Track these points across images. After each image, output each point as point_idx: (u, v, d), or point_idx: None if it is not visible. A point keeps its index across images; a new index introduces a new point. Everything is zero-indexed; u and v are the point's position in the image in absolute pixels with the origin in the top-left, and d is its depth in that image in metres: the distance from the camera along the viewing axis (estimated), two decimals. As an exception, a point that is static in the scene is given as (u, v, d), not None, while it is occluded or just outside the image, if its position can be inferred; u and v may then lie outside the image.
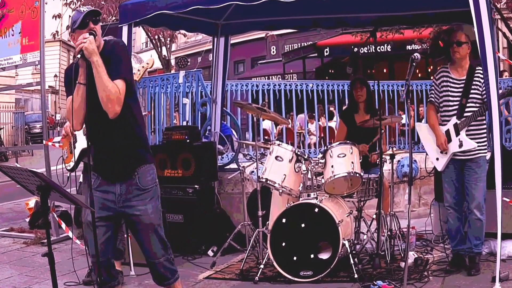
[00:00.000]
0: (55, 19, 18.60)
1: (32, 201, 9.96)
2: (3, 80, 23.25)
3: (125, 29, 7.12)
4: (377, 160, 7.13)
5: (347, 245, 6.34)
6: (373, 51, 21.37)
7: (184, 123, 10.39)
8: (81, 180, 7.88)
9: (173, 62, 27.71)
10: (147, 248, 4.73)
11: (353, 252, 6.53)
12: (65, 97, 4.65)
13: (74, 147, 6.53)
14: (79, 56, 4.33)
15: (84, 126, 4.58)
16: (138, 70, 5.51)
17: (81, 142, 6.46)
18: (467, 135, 6.32)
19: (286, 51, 28.79)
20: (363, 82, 7.80)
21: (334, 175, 6.72)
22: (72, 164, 6.61)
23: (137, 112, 4.71)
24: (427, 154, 6.91)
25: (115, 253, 6.52)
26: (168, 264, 4.77)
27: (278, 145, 7.02)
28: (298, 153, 6.93)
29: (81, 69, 4.39)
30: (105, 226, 4.66)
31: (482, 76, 6.13)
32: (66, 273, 6.66)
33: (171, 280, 4.80)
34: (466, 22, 6.46)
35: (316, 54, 24.94)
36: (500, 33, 16.57)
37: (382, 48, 21.97)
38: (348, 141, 7.04)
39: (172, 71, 23.32)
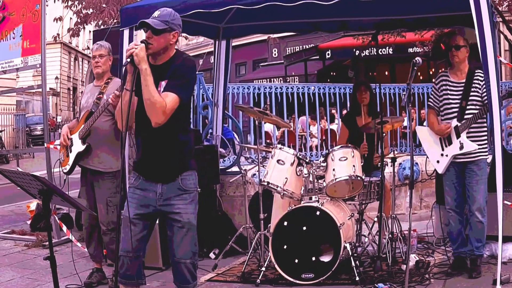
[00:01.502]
0: (56, 22, 18.60)
1: (33, 204, 9.97)
2: (4, 82, 23.24)
3: (126, 33, 7.12)
4: (379, 161, 7.14)
5: (348, 248, 6.34)
6: (375, 54, 21.43)
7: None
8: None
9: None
10: (178, 246, 4.71)
11: (355, 254, 6.53)
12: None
13: (70, 151, 6.57)
14: (128, 60, 4.40)
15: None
16: None
17: (77, 146, 6.49)
18: (467, 137, 6.33)
19: (287, 53, 28.80)
20: (367, 86, 7.81)
21: (335, 179, 6.73)
22: (68, 167, 6.64)
23: (187, 124, 4.82)
24: (427, 157, 6.91)
25: (103, 255, 6.62)
26: (192, 268, 4.78)
27: (280, 148, 7.03)
28: (300, 156, 6.94)
29: (128, 75, 4.46)
30: (143, 224, 4.70)
31: (481, 78, 6.16)
32: (67, 275, 6.67)
33: (191, 285, 4.80)
34: (468, 25, 6.47)
35: (318, 57, 24.96)
36: (501, 36, 16.57)
37: (384, 51, 21.99)
38: (349, 145, 7.05)
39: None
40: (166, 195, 4.64)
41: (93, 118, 6.31)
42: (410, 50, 21.34)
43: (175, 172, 4.64)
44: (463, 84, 6.40)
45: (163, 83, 4.51)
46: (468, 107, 6.34)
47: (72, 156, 6.54)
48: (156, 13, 4.62)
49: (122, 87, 4.51)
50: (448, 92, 6.46)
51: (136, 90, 4.46)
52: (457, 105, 6.40)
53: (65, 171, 6.79)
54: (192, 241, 4.76)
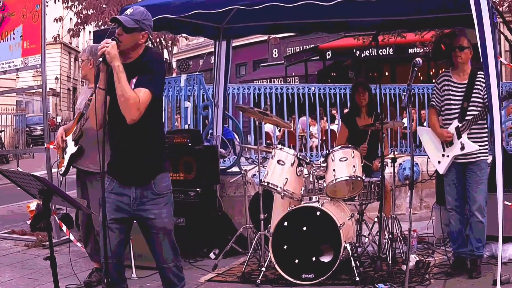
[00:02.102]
0: (56, 22, 18.63)
1: (33, 204, 9.96)
2: (4, 82, 23.24)
3: (126, 33, 7.11)
4: (379, 166, 7.14)
5: (348, 248, 6.34)
6: (375, 54, 21.43)
7: (186, 127, 10.40)
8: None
9: (174, 65, 27.74)
10: (158, 252, 4.74)
11: (355, 255, 6.53)
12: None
13: (65, 153, 6.59)
14: (100, 59, 4.37)
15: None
16: None
17: (70, 148, 6.52)
18: (468, 138, 6.33)
19: (288, 54, 28.83)
20: (366, 87, 7.80)
21: (335, 179, 6.73)
22: (63, 169, 6.67)
23: (159, 122, 4.81)
24: (428, 157, 6.91)
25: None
26: (177, 270, 4.79)
27: (280, 149, 7.03)
28: (300, 157, 6.94)
29: (101, 74, 4.43)
30: (119, 229, 4.68)
31: (483, 79, 6.14)
32: (67, 275, 6.67)
33: (178, 287, 4.82)
34: (468, 26, 6.47)
35: (318, 57, 24.98)
36: (502, 36, 16.57)
37: (384, 52, 22.01)
38: (350, 145, 7.06)
39: (174, 74, 23.36)
40: (139, 200, 4.62)
41: (84, 119, 6.33)
42: (411, 50, 21.38)
43: (149, 174, 4.61)
44: (465, 85, 6.40)
45: (134, 81, 4.47)
46: (469, 108, 6.34)
47: (66, 157, 6.59)
48: (129, 11, 4.59)
49: (95, 86, 4.47)
50: (450, 92, 6.46)
51: (107, 90, 4.42)
52: (459, 106, 6.40)
53: (61, 172, 6.81)
54: (171, 245, 4.75)
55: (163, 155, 4.75)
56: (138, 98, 4.37)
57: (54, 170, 8.28)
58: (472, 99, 6.34)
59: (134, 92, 4.37)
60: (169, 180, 4.77)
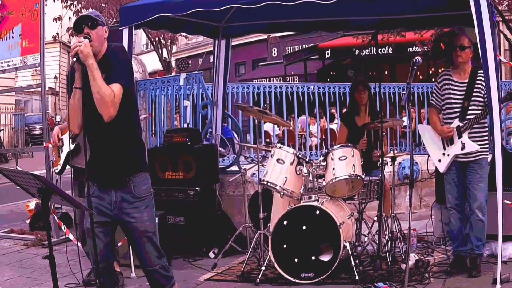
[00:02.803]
0: (56, 21, 18.60)
1: (32, 203, 9.97)
2: (3, 82, 23.23)
3: (125, 32, 7.11)
4: (379, 161, 7.13)
5: (348, 247, 6.34)
6: (375, 53, 21.42)
7: (185, 126, 10.39)
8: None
9: (173, 64, 27.70)
10: (142, 255, 4.75)
11: (354, 254, 6.53)
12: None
13: (61, 151, 6.59)
14: (74, 59, 4.35)
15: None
16: None
17: (67, 146, 6.51)
18: (469, 137, 6.32)
19: (287, 53, 28.82)
20: (365, 85, 7.79)
21: (335, 178, 6.72)
22: (59, 167, 6.66)
23: (134, 119, 4.73)
24: (429, 156, 6.91)
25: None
26: (164, 271, 4.79)
27: (280, 147, 7.02)
28: (300, 155, 6.93)
29: (76, 73, 4.41)
30: (104, 232, 4.67)
31: (484, 78, 6.13)
32: (66, 274, 6.67)
33: (167, 287, 4.82)
34: (468, 25, 6.45)
35: (318, 56, 24.97)
36: (501, 35, 16.58)
37: (384, 51, 21.98)
38: (349, 144, 7.05)
39: (173, 73, 23.32)
40: (120, 204, 4.61)
41: None
42: (410, 49, 21.34)
43: (126, 174, 4.58)
44: (465, 84, 6.39)
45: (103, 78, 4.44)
46: (470, 107, 6.33)
47: (62, 156, 6.59)
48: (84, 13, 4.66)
49: (70, 86, 4.43)
50: (451, 91, 6.45)
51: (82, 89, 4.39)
52: (459, 105, 6.39)
53: (56, 171, 6.81)
54: (154, 248, 4.74)
55: (140, 152, 4.73)
56: (114, 94, 4.36)
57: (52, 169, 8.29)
58: (473, 98, 6.33)
59: (109, 88, 4.35)
60: (149, 182, 4.75)
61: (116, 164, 4.58)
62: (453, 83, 6.46)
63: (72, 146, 6.43)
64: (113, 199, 4.60)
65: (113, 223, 4.74)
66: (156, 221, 4.90)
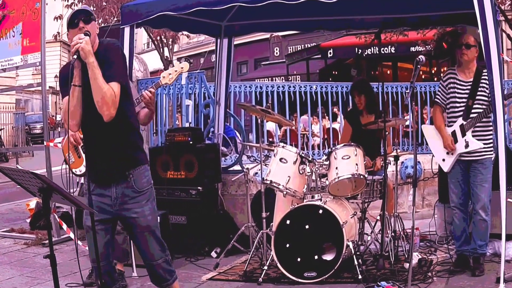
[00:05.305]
0: (56, 20, 18.59)
1: (32, 202, 9.95)
2: (4, 81, 23.27)
3: (127, 30, 7.09)
4: (382, 164, 7.11)
5: (351, 246, 6.32)
6: (377, 52, 21.39)
7: (187, 125, 10.37)
8: (82, 181, 7.86)
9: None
10: (144, 250, 4.70)
11: (357, 253, 6.53)
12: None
13: (83, 151, 6.51)
14: (75, 57, 4.27)
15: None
16: (170, 74, 5.38)
17: None
18: (473, 136, 6.32)
19: (289, 52, 28.79)
20: (361, 90, 7.72)
21: (338, 177, 6.70)
22: (83, 169, 6.54)
23: (131, 114, 4.67)
24: (433, 155, 6.90)
25: (120, 255, 6.53)
26: (166, 265, 4.74)
27: (283, 147, 7.01)
28: (302, 155, 6.92)
29: (76, 71, 4.32)
30: (104, 230, 4.63)
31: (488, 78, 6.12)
32: (67, 274, 6.66)
33: (170, 281, 4.77)
34: (471, 24, 6.44)
35: (320, 56, 24.94)
36: (504, 34, 16.56)
37: (386, 50, 21.96)
38: (352, 143, 7.02)
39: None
40: (120, 199, 4.56)
41: None
42: (413, 49, 21.30)
43: (126, 168, 4.54)
44: (470, 83, 6.39)
45: None
46: (474, 106, 6.33)
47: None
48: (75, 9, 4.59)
49: (70, 83, 4.32)
50: (456, 90, 6.44)
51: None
52: (464, 103, 6.38)
53: (79, 173, 6.73)
54: (157, 242, 4.70)
55: (137, 144, 4.67)
56: (114, 93, 4.31)
57: (54, 168, 8.28)
58: (477, 97, 6.32)
59: (111, 89, 4.29)
60: (149, 174, 4.71)
61: (114, 160, 4.53)
62: (458, 81, 6.45)
63: None
64: (114, 196, 4.56)
65: (114, 221, 4.71)
66: (158, 220, 4.83)
